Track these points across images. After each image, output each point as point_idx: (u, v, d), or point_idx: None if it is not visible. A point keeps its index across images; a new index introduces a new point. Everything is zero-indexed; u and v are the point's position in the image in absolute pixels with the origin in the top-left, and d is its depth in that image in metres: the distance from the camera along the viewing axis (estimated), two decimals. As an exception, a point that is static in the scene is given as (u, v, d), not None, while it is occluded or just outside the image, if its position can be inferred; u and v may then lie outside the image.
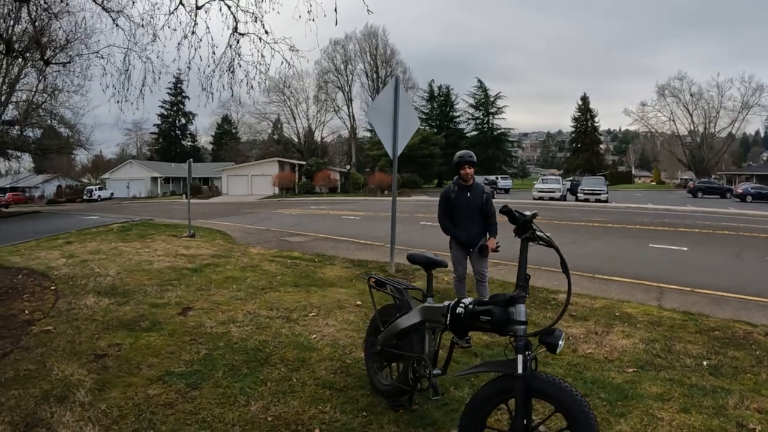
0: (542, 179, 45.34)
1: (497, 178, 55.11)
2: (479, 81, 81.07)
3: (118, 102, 8.03)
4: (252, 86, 7.46)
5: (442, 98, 80.00)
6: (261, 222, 21.13)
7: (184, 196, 50.83)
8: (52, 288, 8.06)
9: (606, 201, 35.28)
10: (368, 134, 75.61)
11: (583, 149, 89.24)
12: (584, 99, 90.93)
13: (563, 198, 39.13)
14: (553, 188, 39.78)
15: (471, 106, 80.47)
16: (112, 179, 66.93)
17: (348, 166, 70.49)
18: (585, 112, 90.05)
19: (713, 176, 68.20)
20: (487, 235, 6.24)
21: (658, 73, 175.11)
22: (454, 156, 6.16)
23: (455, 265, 6.43)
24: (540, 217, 3.48)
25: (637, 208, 28.54)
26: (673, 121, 76.44)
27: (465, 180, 6.16)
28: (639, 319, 6.58)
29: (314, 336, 5.68)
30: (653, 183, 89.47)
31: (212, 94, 7.39)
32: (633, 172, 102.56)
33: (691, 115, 75.38)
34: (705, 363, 5.12)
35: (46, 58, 7.82)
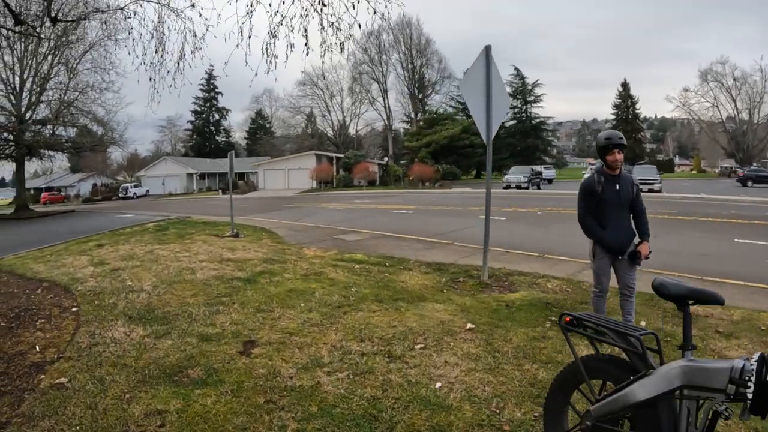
0: (591, 169, 43.27)
1: (542, 168, 52.80)
2: (516, 69, 78.73)
3: (151, 80, 6.47)
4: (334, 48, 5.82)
5: (478, 88, 77.39)
6: (306, 218, 19.36)
7: (221, 191, 49.61)
8: (74, 309, 6.43)
9: (659, 191, 33.61)
10: (405, 125, 74.46)
11: (625, 137, 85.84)
12: (625, 85, 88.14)
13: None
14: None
15: (509, 95, 77.20)
16: (147, 176, 66.08)
17: (386, 159, 68.66)
18: (626, 99, 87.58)
19: (755, 164, 65.33)
20: (636, 239, 5.12)
21: (698, 58, 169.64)
22: (598, 138, 5.10)
23: (599, 276, 5.22)
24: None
25: (695, 198, 26.21)
26: (716, 107, 73.52)
27: (612, 168, 5.04)
28: None
29: (439, 384, 4.03)
30: (693, 171, 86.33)
31: (275, 57, 5.70)
32: (676, 160, 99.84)
33: (734, 101, 72.31)
34: None
35: (53, 15, 6.23)
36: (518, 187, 39.05)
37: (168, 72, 6.54)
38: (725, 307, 6.39)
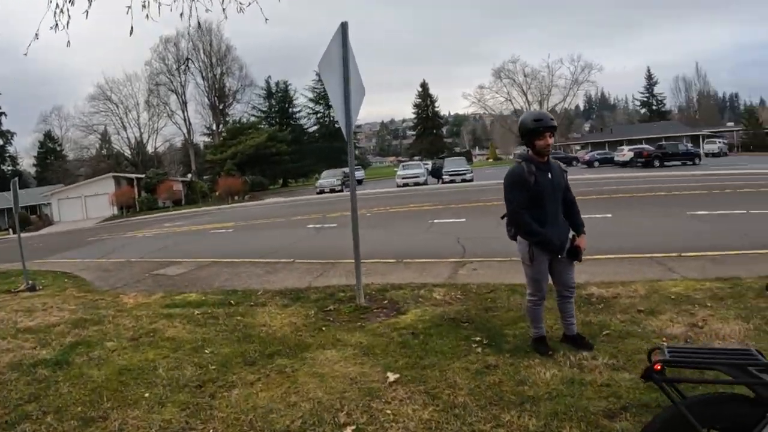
0: (403, 166, 44.14)
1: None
2: (317, 74, 77.88)
3: None
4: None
5: (280, 95, 77.06)
6: (114, 252, 16.09)
7: (11, 230, 41.01)
8: None
9: (471, 180, 35.33)
10: (207, 138, 71.25)
11: (426, 134, 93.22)
12: (424, 86, 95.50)
13: (425, 182, 38.22)
14: (417, 173, 39.15)
15: (311, 100, 78.60)
16: None
17: (189, 175, 64.12)
18: (426, 98, 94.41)
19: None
20: (571, 232, 4.56)
21: (493, 59, 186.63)
22: (524, 121, 4.38)
23: (539, 282, 4.55)
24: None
25: (498, 184, 27.27)
26: (510, 100, 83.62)
27: (542, 155, 4.37)
28: (697, 296, 5.88)
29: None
30: (490, 160, 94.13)
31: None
32: (476, 151, 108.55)
33: (526, 95, 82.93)
34: None
35: None
36: (332, 190, 38.67)
37: None
38: (624, 284, 6.48)
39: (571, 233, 4.55)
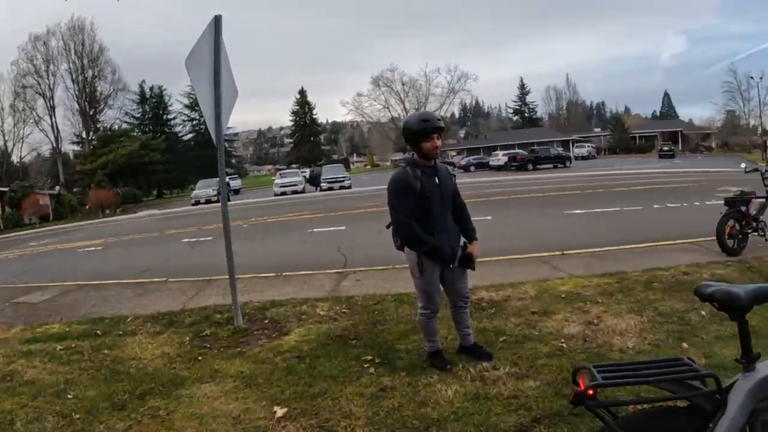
0: (281, 174, 43.31)
1: (228, 179, 50.95)
2: (191, 81, 75.35)
3: None
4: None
5: (154, 100, 73.49)
6: None
7: None
8: None
9: (349, 187, 35.40)
10: (76, 147, 66.34)
11: (304, 141, 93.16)
12: (302, 93, 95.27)
13: (304, 190, 37.80)
14: (295, 182, 38.62)
15: (186, 106, 75.40)
16: None
17: (57, 188, 58.09)
18: (304, 106, 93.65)
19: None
20: (462, 239, 4.32)
21: (372, 67, 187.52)
22: (409, 122, 4.10)
23: (431, 294, 4.24)
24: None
25: (383, 189, 27.50)
26: (387, 108, 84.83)
27: (429, 158, 4.08)
28: (587, 293, 6.03)
29: None
30: (368, 166, 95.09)
31: None
32: (353, 158, 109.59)
33: (403, 102, 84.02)
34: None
35: None
36: (208, 201, 37.18)
37: None
38: (513, 285, 6.45)
39: (462, 240, 4.32)
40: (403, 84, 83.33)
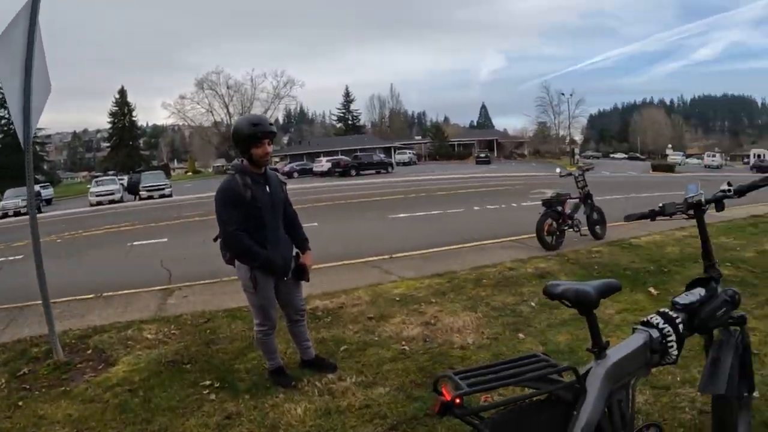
0: (96, 181, 39.77)
1: (39, 188, 45.75)
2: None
3: None
4: None
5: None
6: None
7: None
8: None
9: (170, 195, 33.71)
10: None
11: (122, 146, 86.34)
12: (122, 93, 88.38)
13: (122, 199, 35.17)
14: (111, 190, 35.46)
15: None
16: None
17: None
18: (123, 107, 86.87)
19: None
20: (294, 250, 4.15)
21: (198, 69, 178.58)
22: (239, 125, 3.77)
23: (267, 310, 3.96)
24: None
25: (207, 197, 26.45)
26: (211, 112, 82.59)
27: (259, 165, 3.82)
28: (420, 294, 6.14)
29: None
30: (189, 173, 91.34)
31: None
32: (174, 164, 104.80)
33: (227, 106, 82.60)
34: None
35: None
36: (18, 213, 33.01)
37: None
38: (347, 292, 6.39)
39: (295, 250, 4.14)
40: (228, 87, 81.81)
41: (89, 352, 5.09)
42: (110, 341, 5.27)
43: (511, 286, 6.31)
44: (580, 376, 2.06)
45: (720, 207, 2.81)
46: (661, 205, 2.80)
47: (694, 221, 2.75)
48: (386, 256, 8.53)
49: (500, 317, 5.27)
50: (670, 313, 2.48)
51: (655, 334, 2.36)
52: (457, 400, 1.70)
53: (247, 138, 3.68)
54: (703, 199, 2.74)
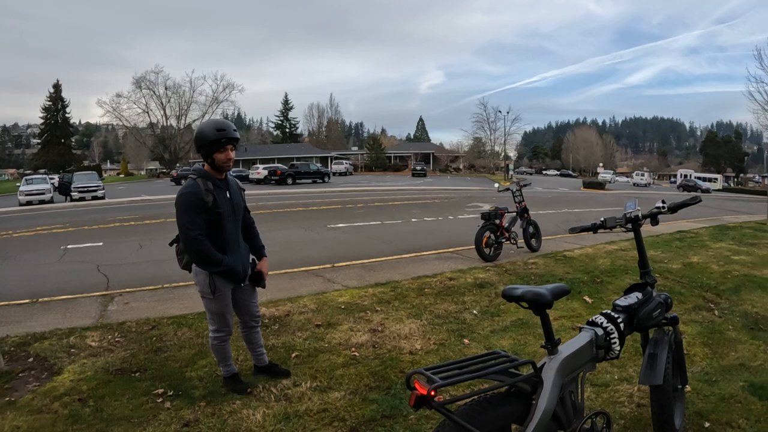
0: (26, 180, 37.92)
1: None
2: None
3: None
4: None
5: None
6: None
7: None
8: None
9: (103, 198, 32.74)
10: None
11: (54, 143, 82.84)
12: (57, 87, 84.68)
13: (52, 200, 33.71)
14: (42, 189, 33.71)
15: None
16: None
17: None
18: (57, 102, 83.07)
19: (179, 165, 73.36)
20: (251, 256, 4.23)
21: (136, 66, 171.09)
22: (203, 130, 3.72)
23: (224, 316, 3.97)
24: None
25: (143, 201, 25.97)
26: (147, 113, 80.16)
27: (221, 171, 3.83)
28: (366, 303, 6.32)
29: None
30: (121, 175, 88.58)
31: None
32: (107, 165, 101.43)
33: (164, 108, 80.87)
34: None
35: None
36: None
37: None
38: (292, 300, 6.46)
39: (251, 257, 4.19)
40: (166, 88, 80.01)
41: (31, 360, 4.89)
42: (52, 349, 5.10)
43: (453, 295, 6.54)
44: (538, 369, 2.32)
45: (655, 222, 3.18)
46: (602, 219, 3.14)
47: (628, 234, 3.13)
48: (328, 265, 8.61)
49: (444, 324, 5.50)
50: (612, 313, 2.83)
51: (599, 332, 2.70)
52: (433, 393, 1.87)
53: (212, 143, 3.68)
54: (640, 215, 3.11)
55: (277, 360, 4.55)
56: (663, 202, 3.17)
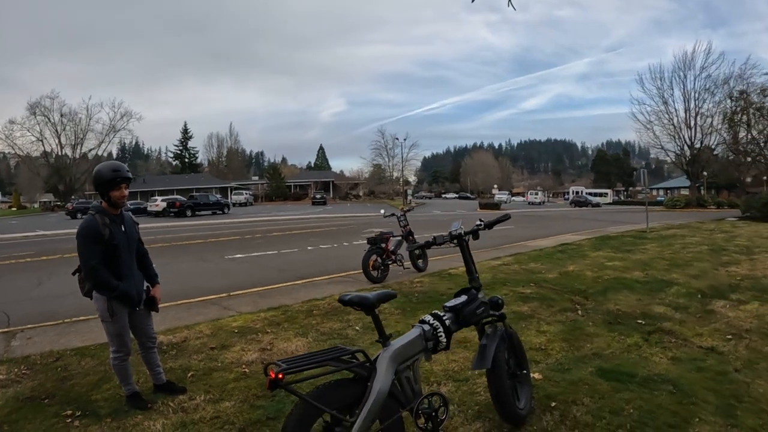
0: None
1: None
2: None
3: None
4: None
5: None
6: None
7: None
8: None
9: None
10: None
11: None
12: None
13: None
14: None
15: None
16: None
17: None
18: None
19: (74, 197, 69.45)
20: (146, 283, 4.66)
21: (30, 90, 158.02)
22: (100, 170, 4.24)
23: (123, 337, 4.38)
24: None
25: (45, 236, 24.54)
26: (41, 141, 74.76)
27: (117, 207, 4.36)
28: (257, 326, 6.71)
29: None
30: (13, 208, 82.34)
31: None
32: None
33: (59, 136, 75.36)
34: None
35: None
36: None
37: None
38: (189, 327, 6.76)
39: (146, 284, 4.65)
40: (62, 115, 74.62)
41: (-62, 395, 4.97)
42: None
43: (339, 315, 7.16)
44: (369, 357, 2.88)
45: (476, 237, 3.89)
46: (432, 237, 3.72)
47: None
48: (224, 294, 8.92)
49: (329, 340, 6.09)
50: (440, 313, 3.40)
51: (427, 328, 3.25)
52: (280, 376, 2.43)
53: (108, 182, 4.18)
54: (462, 232, 3.77)
55: (174, 379, 4.93)
56: (480, 220, 3.87)
